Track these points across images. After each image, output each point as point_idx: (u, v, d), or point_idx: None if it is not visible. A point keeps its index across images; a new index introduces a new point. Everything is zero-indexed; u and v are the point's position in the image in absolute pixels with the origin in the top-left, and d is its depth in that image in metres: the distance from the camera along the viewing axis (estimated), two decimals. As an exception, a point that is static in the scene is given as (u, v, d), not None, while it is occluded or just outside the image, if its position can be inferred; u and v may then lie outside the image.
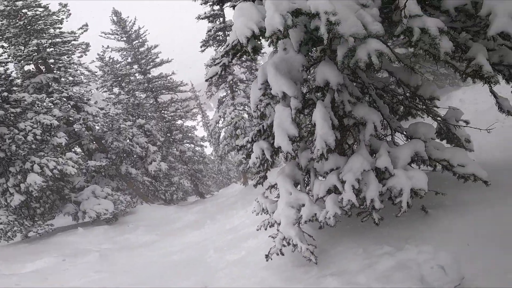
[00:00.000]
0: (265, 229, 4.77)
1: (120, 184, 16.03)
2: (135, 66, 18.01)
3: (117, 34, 17.98)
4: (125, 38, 17.94)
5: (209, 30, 12.33)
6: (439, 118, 4.56)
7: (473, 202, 3.91)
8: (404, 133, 4.40)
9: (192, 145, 20.53)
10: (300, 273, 4.20)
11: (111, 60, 16.93)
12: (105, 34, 17.57)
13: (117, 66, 17.11)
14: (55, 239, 10.18)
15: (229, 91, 13.46)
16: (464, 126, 4.52)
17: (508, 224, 3.34)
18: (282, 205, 4.10)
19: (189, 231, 9.88)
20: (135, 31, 17.61)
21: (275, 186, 4.73)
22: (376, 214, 3.63)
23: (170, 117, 19.17)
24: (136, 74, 18.32)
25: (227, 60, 4.48)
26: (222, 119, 13.72)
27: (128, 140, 15.70)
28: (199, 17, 11.95)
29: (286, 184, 4.24)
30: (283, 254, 4.13)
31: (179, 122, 19.80)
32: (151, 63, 17.87)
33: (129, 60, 17.90)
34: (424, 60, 8.42)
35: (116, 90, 17.66)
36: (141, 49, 17.76)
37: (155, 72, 18.41)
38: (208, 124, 25.16)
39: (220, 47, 12.62)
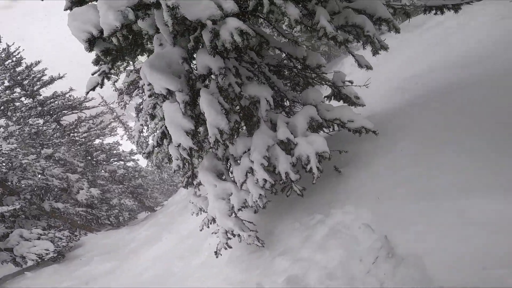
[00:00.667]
0: (207, 227, 4.80)
1: (51, 221, 14.14)
2: (18, 90, 15.12)
3: None
4: None
5: None
6: (328, 83, 5.02)
7: (372, 153, 4.54)
8: (299, 101, 4.77)
9: (122, 162, 18.86)
10: (255, 259, 4.46)
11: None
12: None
13: None
14: (8, 288, 9.03)
15: (145, 97, 12.55)
16: (348, 85, 5.07)
17: (403, 167, 3.86)
18: (211, 199, 4.14)
19: (148, 247, 9.53)
20: (3, 50, 14.52)
21: (201, 183, 4.71)
22: (296, 186, 3.86)
23: (83, 139, 17.06)
24: (22, 99, 15.44)
25: (107, 67, 4.18)
26: (146, 127, 12.85)
27: (39, 175, 13.62)
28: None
29: (208, 177, 4.24)
30: (230, 247, 4.23)
31: (97, 141, 17.82)
32: (38, 83, 15.20)
33: (6, 83, 14.90)
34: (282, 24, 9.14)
35: (0, 121, 14.78)
36: (18, 69, 14.84)
37: (47, 92, 15.79)
38: (131, 137, 23.33)
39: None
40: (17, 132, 13.91)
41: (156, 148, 4.66)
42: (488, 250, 2.34)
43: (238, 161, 4.29)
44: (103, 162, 17.94)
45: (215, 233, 4.50)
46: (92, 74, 4.20)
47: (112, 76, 11.45)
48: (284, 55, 4.87)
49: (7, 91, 14.65)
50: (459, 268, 2.36)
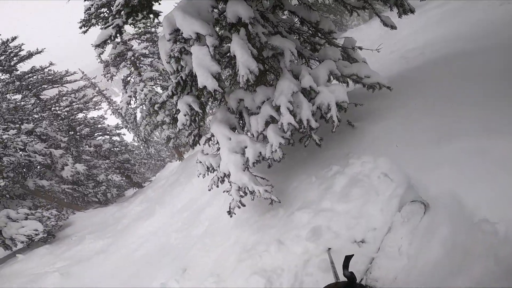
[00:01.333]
0: (217, 186, 4.54)
1: (36, 201, 13.65)
2: None
3: None
4: None
5: (88, 9, 10.11)
6: (339, 47, 4.97)
7: (385, 108, 4.62)
8: (316, 58, 4.72)
9: (107, 136, 18.19)
10: (268, 219, 4.42)
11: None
12: None
13: None
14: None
15: (132, 69, 11.86)
16: (357, 50, 5.07)
17: (418, 119, 3.96)
18: (225, 153, 3.96)
19: (141, 223, 9.36)
20: None
21: (211, 138, 4.57)
22: (315, 135, 3.85)
23: (66, 113, 16.18)
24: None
25: (121, 21, 3.97)
26: (134, 99, 12.29)
27: (20, 152, 12.94)
28: (68, -5, 9.53)
29: (222, 129, 4.10)
30: (244, 205, 4.04)
31: (80, 115, 16.97)
32: (15, 58, 14.06)
33: None
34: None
35: None
36: None
37: (24, 67, 14.67)
38: (119, 109, 22.32)
39: (107, 24, 10.60)
40: None
41: (169, 99, 4.39)
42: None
43: (253, 113, 4.19)
44: (87, 137, 17.22)
45: (228, 191, 4.26)
46: (104, 28, 3.88)
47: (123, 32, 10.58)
48: (297, 19, 4.63)
49: None
50: (497, 203, 2.32)
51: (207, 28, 3.38)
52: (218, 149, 4.41)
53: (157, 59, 11.93)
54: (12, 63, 13.93)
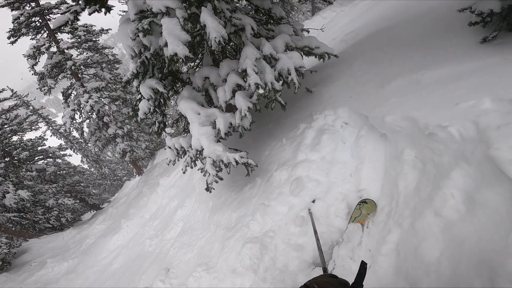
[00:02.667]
0: (191, 167, 4.38)
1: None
2: None
3: None
4: None
5: (17, 18, 9.10)
6: (291, 26, 5.33)
7: (335, 74, 5.41)
8: (272, 36, 4.99)
9: (50, 159, 16.46)
10: (248, 192, 4.43)
11: None
12: None
13: None
14: None
15: (74, 80, 10.93)
16: (307, 31, 5.90)
17: (363, 76, 4.71)
18: (195, 129, 3.88)
19: (108, 238, 8.93)
20: None
21: (179, 119, 4.45)
22: (279, 97, 4.04)
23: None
24: None
25: (79, 7, 3.79)
26: (78, 113, 11.35)
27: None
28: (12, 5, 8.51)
29: (191, 104, 4.03)
30: (221, 179, 3.97)
31: (15, 138, 15.10)
32: None
33: None
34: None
35: None
36: None
37: None
38: (60, 128, 20.21)
39: (39, 34, 9.66)
40: None
41: (135, 78, 4.11)
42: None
43: (219, 87, 4.22)
44: (26, 161, 15.39)
45: (202, 168, 4.13)
46: (62, 14, 3.68)
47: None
48: (250, 6, 4.96)
49: None
50: (438, 112, 2.66)
51: (177, 2, 3.38)
52: (185, 129, 4.32)
53: (101, 69, 11.19)
54: None
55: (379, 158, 3.15)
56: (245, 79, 3.76)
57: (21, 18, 9.17)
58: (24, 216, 14.36)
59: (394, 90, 3.73)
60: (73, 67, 10.19)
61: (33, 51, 9.50)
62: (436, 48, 4.13)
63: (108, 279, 6.58)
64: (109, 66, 11.39)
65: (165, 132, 4.83)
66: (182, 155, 4.48)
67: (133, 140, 12.69)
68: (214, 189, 4.13)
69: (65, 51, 10.17)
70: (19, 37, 9.37)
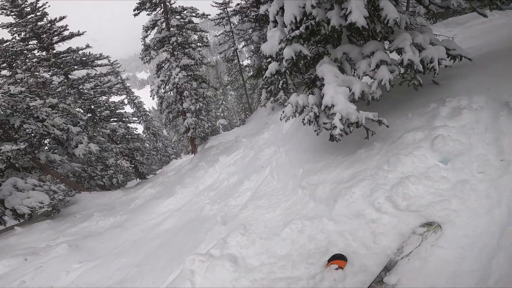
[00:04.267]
0: (309, 123, 4.49)
1: (42, 176, 12.86)
2: (34, 42, 13.91)
3: (5, 9, 13.39)
4: (15, 13, 13.50)
5: None
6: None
7: (465, 73, 5.09)
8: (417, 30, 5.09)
9: (122, 123, 17.81)
10: (363, 154, 4.46)
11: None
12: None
13: (4, 44, 12.78)
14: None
15: (169, 55, 11.86)
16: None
17: (498, 75, 4.49)
18: (331, 88, 4.10)
19: (161, 201, 8.81)
20: (31, 4, 13.44)
21: (316, 79, 4.64)
22: (419, 77, 4.27)
23: (90, 94, 15.90)
24: (35, 51, 14.21)
25: None
26: (164, 84, 12.12)
27: (40, 124, 12.45)
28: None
29: (331, 68, 4.29)
30: (347, 133, 4.13)
31: (103, 98, 16.69)
32: (56, 37, 14.04)
33: (23, 35, 13.77)
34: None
35: (5, 72, 13.52)
36: (40, 23, 13.72)
37: (62, 47, 14.69)
38: (136, 97, 22.04)
39: (154, 11, 10.79)
40: (24, 80, 12.70)
41: (298, 38, 4.44)
42: None
43: (360, 61, 4.50)
44: (104, 120, 16.84)
45: (328, 123, 4.18)
46: None
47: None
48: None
49: (20, 43, 13.34)
50: None
51: None
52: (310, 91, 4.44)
53: (192, 49, 12.03)
54: (53, 41, 13.84)
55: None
56: (400, 55, 4.09)
57: None
58: (86, 169, 15.45)
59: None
60: (175, 44, 11.01)
61: (152, 23, 10.55)
62: None
63: (155, 238, 6.32)
64: (198, 48, 12.22)
65: (287, 91, 4.99)
66: (300, 112, 4.60)
67: (201, 118, 13.13)
68: (340, 140, 4.15)
69: (171, 28, 11.11)
70: (141, 10, 10.55)
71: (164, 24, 10.78)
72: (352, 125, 3.94)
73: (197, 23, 11.75)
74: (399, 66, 4.15)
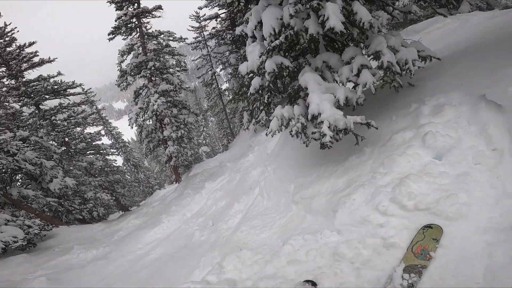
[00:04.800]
0: (297, 135, 4.45)
1: (16, 211, 11.94)
2: (2, 69, 13.33)
3: None
4: None
5: (120, 17, 10.35)
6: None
7: (435, 73, 5.30)
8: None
9: (99, 155, 17.08)
10: (354, 160, 4.49)
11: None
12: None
13: None
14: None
15: (146, 81, 11.74)
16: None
17: (465, 69, 4.73)
18: (316, 96, 4.15)
19: (146, 231, 8.41)
20: None
21: (300, 89, 4.71)
22: (398, 79, 4.50)
23: (63, 126, 15.21)
24: (4, 79, 13.60)
25: None
26: (143, 112, 11.88)
27: (11, 158, 11.67)
28: (110, 1, 9.94)
29: (315, 76, 4.38)
30: (337, 140, 4.09)
31: (78, 129, 16.02)
32: (25, 64, 13.53)
33: None
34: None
35: None
36: (9, 49, 13.19)
37: (32, 74, 14.10)
38: (114, 128, 21.35)
39: (130, 35, 10.81)
40: None
41: (266, 54, 4.52)
42: None
43: (334, 71, 4.72)
44: (80, 153, 16.08)
45: (317, 132, 4.22)
46: None
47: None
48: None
49: None
50: None
51: None
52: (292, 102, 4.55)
53: (170, 74, 12.00)
54: (22, 68, 13.32)
55: (499, 122, 3.38)
56: (376, 60, 4.33)
57: (122, 17, 10.33)
58: (62, 203, 14.47)
59: (509, 74, 3.71)
60: (152, 68, 10.96)
61: (128, 48, 10.49)
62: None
63: (144, 268, 5.99)
64: (177, 73, 12.19)
65: (273, 105, 4.95)
66: (286, 125, 4.59)
67: (183, 145, 12.88)
68: (331, 147, 4.17)
69: (148, 53, 11.08)
70: (116, 35, 10.49)
71: (140, 49, 10.75)
72: (340, 131, 3.98)
73: (175, 47, 11.77)
74: (378, 70, 4.35)
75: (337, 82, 4.84)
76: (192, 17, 17.18)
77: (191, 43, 16.55)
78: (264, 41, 4.53)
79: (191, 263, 4.56)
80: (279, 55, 4.51)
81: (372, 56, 4.55)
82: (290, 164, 5.62)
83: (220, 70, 18.10)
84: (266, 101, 4.90)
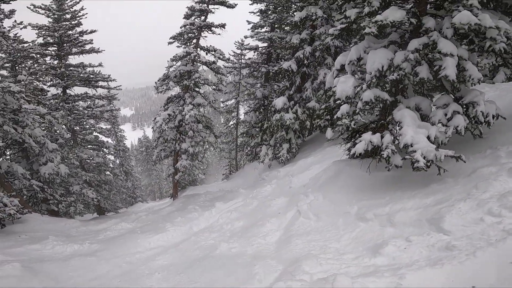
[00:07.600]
0: (386, 160, 4.73)
1: (-8, 188, 10.33)
2: (53, 48, 13.25)
3: (49, 10, 12.90)
4: (56, 16, 13.03)
5: (185, 25, 10.87)
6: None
7: (506, 130, 5.40)
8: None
9: (101, 152, 16.01)
10: (436, 188, 4.64)
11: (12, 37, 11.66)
12: (34, 7, 12.40)
13: (20, 45, 11.91)
14: None
15: (182, 91, 11.68)
16: None
17: None
18: (411, 129, 4.51)
19: (146, 236, 7.40)
20: (74, 11, 13.13)
21: (392, 121, 4.99)
22: (480, 127, 5.05)
23: (80, 114, 14.54)
24: (48, 58, 13.38)
25: None
26: (170, 119, 11.51)
27: (20, 129, 10.71)
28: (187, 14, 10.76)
29: (409, 113, 4.75)
30: (425, 170, 4.32)
31: (91, 121, 15.33)
32: (75, 49, 13.51)
33: (49, 40, 13.09)
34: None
35: (4, 72, 12.32)
36: (70, 32, 13.29)
37: (75, 60, 13.98)
38: (120, 130, 20.49)
39: (186, 44, 11.18)
40: (25, 82, 11.48)
41: (360, 94, 4.95)
42: None
43: (426, 115, 5.08)
44: (84, 144, 15.10)
45: (411, 156, 4.39)
46: None
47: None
48: None
49: (39, 46, 12.55)
50: None
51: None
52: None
53: (207, 91, 12.00)
54: (73, 51, 13.24)
55: None
56: (470, 108, 4.82)
57: (187, 26, 10.78)
58: (45, 189, 12.93)
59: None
60: (196, 79, 11.03)
61: (183, 54, 10.68)
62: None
63: (154, 272, 5.01)
64: (212, 89, 12.11)
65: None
66: (370, 149, 4.86)
67: (194, 160, 12.27)
68: (426, 170, 4.38)
69: (195, 63, 11.24)
70: (176, 41, 10.85)
71: (192, 59, 10.85)
72: (429, 161, 4.25)
73: (220, 66, 11.93)
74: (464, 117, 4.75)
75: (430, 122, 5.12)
76: (237, 44, 17.69)
77: (227, 66, 16.67)
78: (361, 74, 5.02)
79: (238, 271, 4.00)
80: (378, 89, 4.90)
81: (464, 106, 4.93)
82: (349, 190, 5.53)
83: (244, 101, 18.17)
84: (353, 126, 5.28)
